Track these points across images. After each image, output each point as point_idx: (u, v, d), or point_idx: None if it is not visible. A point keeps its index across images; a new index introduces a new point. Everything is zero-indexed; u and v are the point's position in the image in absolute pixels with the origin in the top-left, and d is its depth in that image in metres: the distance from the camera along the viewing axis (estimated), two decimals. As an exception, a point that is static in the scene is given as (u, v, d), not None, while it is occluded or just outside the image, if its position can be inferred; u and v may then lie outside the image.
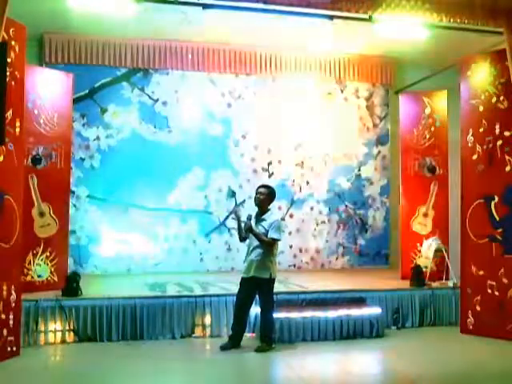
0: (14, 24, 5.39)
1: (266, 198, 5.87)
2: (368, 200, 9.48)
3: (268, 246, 5.72)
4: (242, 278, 5.85)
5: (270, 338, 5.84)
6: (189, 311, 6.30)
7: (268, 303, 5.82)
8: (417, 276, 7.26)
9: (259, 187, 5.97)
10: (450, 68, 7.78)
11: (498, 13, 5.86)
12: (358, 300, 6.67)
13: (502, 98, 6.30)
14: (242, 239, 5.91)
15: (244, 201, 8.83)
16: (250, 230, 5.73)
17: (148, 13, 6.89)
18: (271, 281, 5.80)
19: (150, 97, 8.67)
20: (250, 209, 7.58)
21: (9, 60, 5.10)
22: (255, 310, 6.04)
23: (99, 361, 5.46)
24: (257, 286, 5.77)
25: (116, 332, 6.07)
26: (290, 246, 9.03)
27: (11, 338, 5.34)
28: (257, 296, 5.88)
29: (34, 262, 6.57)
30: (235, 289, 5.97)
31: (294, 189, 9.17)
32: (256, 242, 5.74)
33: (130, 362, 5.42)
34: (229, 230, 8.75)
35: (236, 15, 6.84)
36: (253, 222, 5.82)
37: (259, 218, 5.85)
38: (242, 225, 5.78)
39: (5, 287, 5.27)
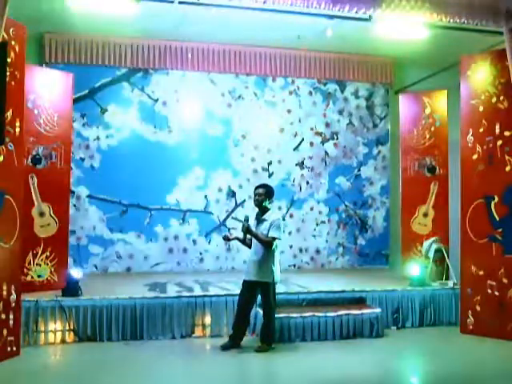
0: (14, 24, 5.38)
1: (264, 197, 5.82)
2: (368, 200, 9.48)
3: (268, 246, 5.68)
4: (244, 281, 5.82)
5: (271, 338, 5.83)
6: (189, 311, 6.29)
7: (270, 305, 5.78)
8: (417, 276, 7.26)
9: (256, 188, 5.91)
10: (450, 68, 7.78)
11: (497, 13, 5.86)
12: (357, 300, 6.68)
13: (502, 97, 6.29)
14: (247, 245, 5.87)
15: (244, 201, 8.84)
16: (247, 231, 5.70)
17: (148, 13, 6.89)
18: (274, 284, 5.77)
19: (150, 97, 8.67)
20: (250, 209, 7.61)
21: (9, 60, 5.10)
22: (255, 309, 6.03)
23: (99, 361, 5.46)
24: (259, 289, 5.74)
25: (116, 332, 6.07)
26: (290, 246, 9.03)
27: (11, 338, 5.33)
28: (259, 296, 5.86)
29: (34, 261, 6.58)
30: (235, 289, 5.96)
31: (294, 189, 9.18)
32: (257, 243, 5.72)
33: (130, 362, 5.42)
34: (229, 229, 8.71)
35: (236, 14, 6.85)
36: (254, 223, 5.81)
37: (260, 218, 5.82)
38: (241, 235, 5.76)
39: (5, 287, 5.26)
